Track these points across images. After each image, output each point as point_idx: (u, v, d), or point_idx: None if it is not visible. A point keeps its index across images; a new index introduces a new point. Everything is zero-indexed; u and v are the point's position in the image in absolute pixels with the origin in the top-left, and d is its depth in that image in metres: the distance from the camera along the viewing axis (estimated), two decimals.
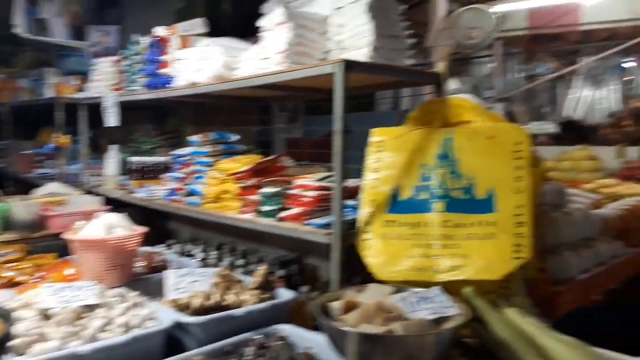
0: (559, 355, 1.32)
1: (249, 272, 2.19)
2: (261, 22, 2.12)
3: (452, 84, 7.25)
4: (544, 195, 2.21)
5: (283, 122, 5.39)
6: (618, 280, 2.30)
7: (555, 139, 7.48)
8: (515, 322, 1.50)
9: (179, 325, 1.55)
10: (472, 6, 5.55)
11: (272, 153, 2.91)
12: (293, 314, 1.82)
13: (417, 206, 1.83)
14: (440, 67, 1.93)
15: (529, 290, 1.79)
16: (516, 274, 1.67)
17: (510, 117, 7.41)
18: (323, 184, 2.06)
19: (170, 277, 1.75)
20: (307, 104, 5.54)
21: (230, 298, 1.69)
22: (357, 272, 1.87)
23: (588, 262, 2.18)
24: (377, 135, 1.98)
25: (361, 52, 1.91)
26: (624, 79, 7.08)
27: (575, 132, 7.89)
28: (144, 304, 1.67)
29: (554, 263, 2.04)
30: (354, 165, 2.01)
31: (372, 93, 9.87)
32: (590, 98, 6.95)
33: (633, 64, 6.98)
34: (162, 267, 2.19)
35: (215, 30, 2.73)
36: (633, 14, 5.01)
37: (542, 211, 2.12)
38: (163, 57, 2.84)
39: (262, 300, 1.71)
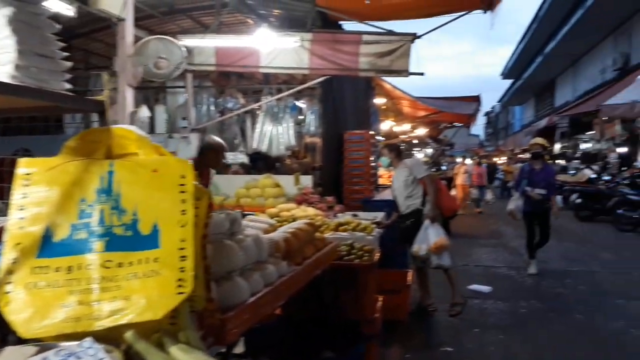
0: None
1: None
2: None
3: (144, 111, 7.13)
4: (219, 225, 2.30)
5: None
6: (284, 297, 2.55)
7: (246, 169, 8.14)
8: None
9: None
10: (160, 36, 5.59)
11: None
12: None
13: (74, 247, 1.63)
14: (104, 95, 1.78)
15: (199, 322, 1.80)
16: (183, 308, 1.65)
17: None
18: None
19: None
20: None
21: None
22: (8, 331, 1.54)
23: (259, 285, 2.33)
24: (24, 167, 1.69)
25: (2, 70, 1.62)
26: (299, 117, 8.24)
27: (262, 163, 8.76)
28: None
29: (226, 290, 2.11)
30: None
31: (60, 115, 8.81)
32: (272, 133, 7.80)
33: (304, 105, 8.20)
34: None
35: None
36: (298, 64, 5.85)
37: (214, 240, 2.19)
38: None
39: None
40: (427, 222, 5.19)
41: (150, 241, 1.66)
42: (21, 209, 1.65)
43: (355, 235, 4.42)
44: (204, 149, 4.58)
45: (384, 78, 10.08)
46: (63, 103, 1.75)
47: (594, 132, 16.62)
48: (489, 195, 16.58)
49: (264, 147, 7.86)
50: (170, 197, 1.71)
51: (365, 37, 5.85)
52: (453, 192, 15.57)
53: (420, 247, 5.17)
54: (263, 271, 2.43)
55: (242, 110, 8.07)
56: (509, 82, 35.45)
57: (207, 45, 6.06)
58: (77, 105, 1.86)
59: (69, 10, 4.65)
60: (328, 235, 4.42)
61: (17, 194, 1.66)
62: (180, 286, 1.60)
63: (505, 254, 8.76)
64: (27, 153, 7.25)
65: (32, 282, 1.56)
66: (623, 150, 15.62)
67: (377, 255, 4.20)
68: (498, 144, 40.54)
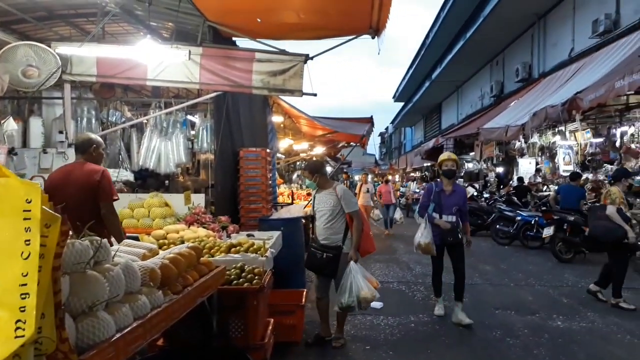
0: None
1: None
2: None
3: (11, 124, 6.43)
4: (80, 254, 2.05)
5: None
6: (159, 329, 2.34)
7: (132, 187, 7.65)
8: None
9: None
10: (30, 42, 5.08)
11: None
12: None
13: None
14: None
15: None
16: (25, 353, 1.42)
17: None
18: None
19: None
20: None
21: None
22: None
23: (128, 318, 2.12)
24: None
25: None
26: (191, 132, 7.94)
27: (152, 180, 8.29)
28: None
29: (86, 327, 1.88)
30: None
31: None
32: (161, 148, 7.42)
33: (197, 120, 7.92)
34: None
35: None
36: (189, 78, 5.64)
37: (74, 272, 1.95)
38: None
39: None
40: (352, 264, 4.72)
41: None
42: None
43: (247, 257, 4.28)
44: (84, 146, 4.15)
45: (281, 96, 10.10)
46: None
47: (474, 152, 18.08)
48: (397, 214, 14.80)
49: (151, 164, 7.44)
50: (10, 225, 1.48)
51: (259, 55, 5.81)
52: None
53: (351, 299, 4.65)
54: (134, 303, 2.22)
55: (128, 124, 7.60)
56: (400, 104, 37.57)
57: (87, 55, 5.63)
58: None
59: None
60: (219, 257, 4.24)
61: None
62: (19, 329, 1.38)
63: (396, 269, 9.07)
64: None
65: None
66: (500, 170, 17.12)
67: (268, 278, 4.09)
68: (392, 163, 42.59)
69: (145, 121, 7.52)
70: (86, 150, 4.14)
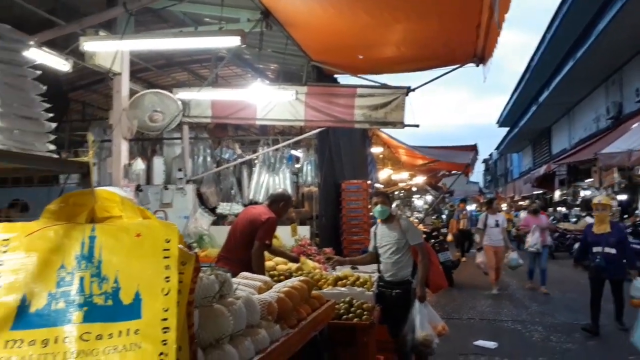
0: None
1: None
2: None
3: (139, 163, 7.10)
4: (208, 288, 2.18)
5: None
6: None
7: None
8: None
9: None
10: (156, 90, 5.64)
11: None
12: None
13: (51, 318, 1.53)
14: (88, 156, 1.73)
15: None
16: None
17: (201, 198, 7.67)
18: None
19: None
20: None
21: None
22: None
23: (250, 352, 2.20)
24: (3, 232, 1.62)
25: None
26: (295, 167, 8.24)
27: None
28: None
29: (215, 358, 1.99)
30: None
31: None
32: (268, 183, 7.77)
33: (300, 155, 8.22)
34: None
35: None
36: (294, 116, 5.89)
37: (202, 305, 2.08)
38: None
39: None
40: (417, 304, 4.41)
41: (132, 311, 1.56)
42: None
43: (354, 291, 4.28)
44: (277, 198, 4.71)
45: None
46: (45, 166, 1.70)
47: (592, 179, 16.65)
48: (513, 254, 9.59)
49: (260, 197, 7.81)
50: (153, 264, 1.62)
51: (360, 91, 5.92)
52: (450, 238, 15.00)
53: (426, 333, 4.33)
54: (254, 336, 2.30)
55: (239, 161, 8.08)
56: (505, 129, 35.91)
57: (203, 98, 6.11)
58: (59, 168, 1.81)
59: (64, 66, 4.70)
60: (326, 290, 4.29)
61: None
62: None
63: (509, 306, 8.53)
64: (23, 204, 7.17)
65: (4, 356, 1.46)
66: (623, 197, 15.57)
67: (376, 313, 4.05)
68: (498, 191, 40.59)
69: (254, 157, 7.95)
70: (275, 201, 4.66)
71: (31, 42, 1.79)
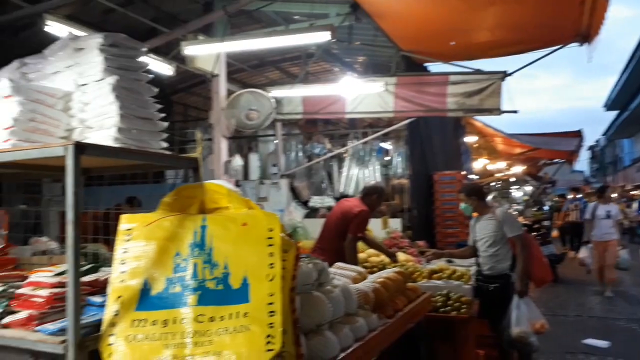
0: None
1: None
2: None
3: (237, 160, 7.46)
4: (307, 276, 2.26)
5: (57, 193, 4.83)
6: (375, 352, 2.43)
7: None
8: None
9: None
10: (251, 89, 5.90)
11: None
12: None
13: (169, 301, 1.68)
14: (197, 151, 1.86)
15: None
16: None
17: (294, 192, 7.89)
18: (61, 279, 1.76)
19: None
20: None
21: None
22: None
23: (349, 339, 2.25)
24: (125, 222, 1.79)
25: (107, 133, 1.76)
26: (385, 159, 8.21)
27: None
28: None
29: (315, 345, 2.05)
30: None
31: None
32: (358, 176, 7.82)
33: (390, 147, 8.17)
34: None
35: None
36: (383, 108, 5.86)
37: (302, 292, 2.15)
38: None
39: None
40: (516, 299, 4.14)
41: (240, 295, 1.66)
42: (123, 263, 1.73)
43: (450, 284, 4.18)
44: (369, 191, 4.74)
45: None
46: (160, 162, 1.85)
47: None
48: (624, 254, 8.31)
49: (350, 191, 7.89)
50: (258, 251, 1.71)
51: (453, 78, 5.74)
52: (555, 234, 13.81)
53: (521, 329, 4.07)
54: (353, 325, 2.34)
55: (329, 155, 8.20)
56: (613, 113, 32.92)
57: (294, 95, 6.28)
58: (172, 164, 1.97)
59: (169, 70, 5.07)
60: (421, 283, 4.23)
61: (119, 249, 1.76)
62: (269, 342, 1.57)
63: (624, 304, 7.86)
64: (137, 200, 7.81)
65: (131, 334, 1.62)
66: None
67: (475, 307, 3.94)
68: (606, 180, 37.39)
69: (344, 151, 8.03)
70: (368, 193, 4.69)
71: (144, 49, 1.96)
